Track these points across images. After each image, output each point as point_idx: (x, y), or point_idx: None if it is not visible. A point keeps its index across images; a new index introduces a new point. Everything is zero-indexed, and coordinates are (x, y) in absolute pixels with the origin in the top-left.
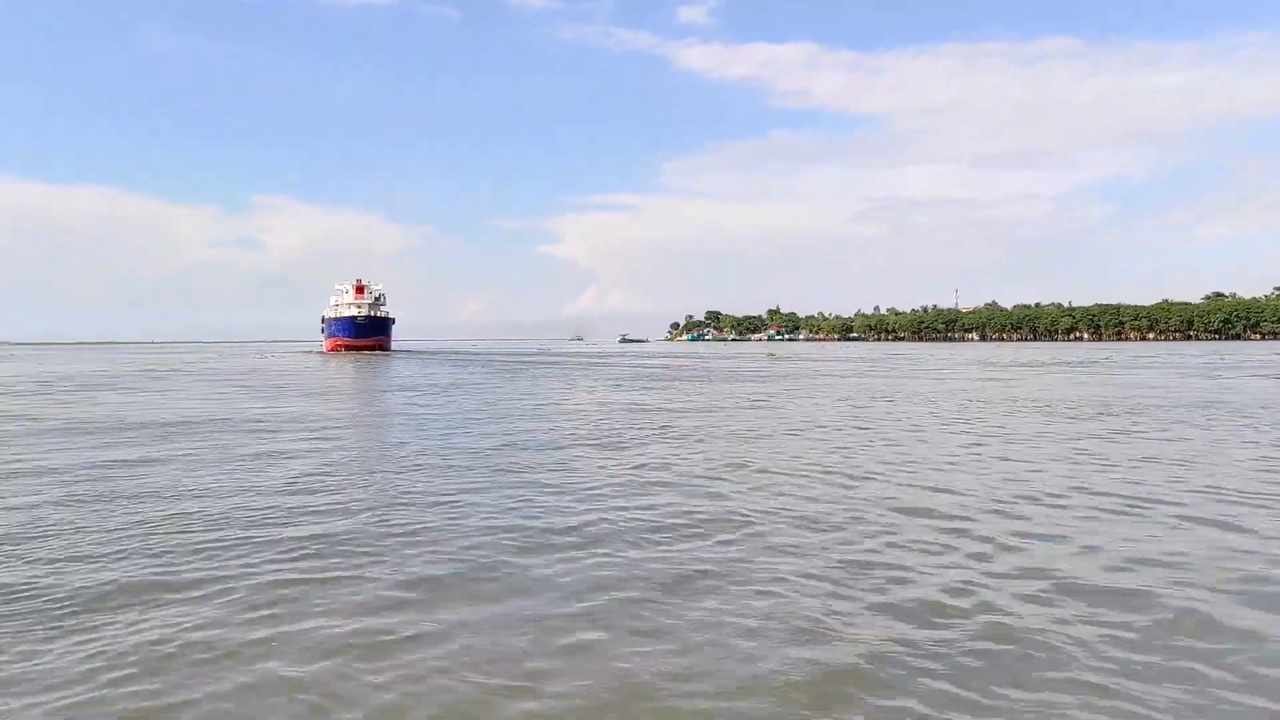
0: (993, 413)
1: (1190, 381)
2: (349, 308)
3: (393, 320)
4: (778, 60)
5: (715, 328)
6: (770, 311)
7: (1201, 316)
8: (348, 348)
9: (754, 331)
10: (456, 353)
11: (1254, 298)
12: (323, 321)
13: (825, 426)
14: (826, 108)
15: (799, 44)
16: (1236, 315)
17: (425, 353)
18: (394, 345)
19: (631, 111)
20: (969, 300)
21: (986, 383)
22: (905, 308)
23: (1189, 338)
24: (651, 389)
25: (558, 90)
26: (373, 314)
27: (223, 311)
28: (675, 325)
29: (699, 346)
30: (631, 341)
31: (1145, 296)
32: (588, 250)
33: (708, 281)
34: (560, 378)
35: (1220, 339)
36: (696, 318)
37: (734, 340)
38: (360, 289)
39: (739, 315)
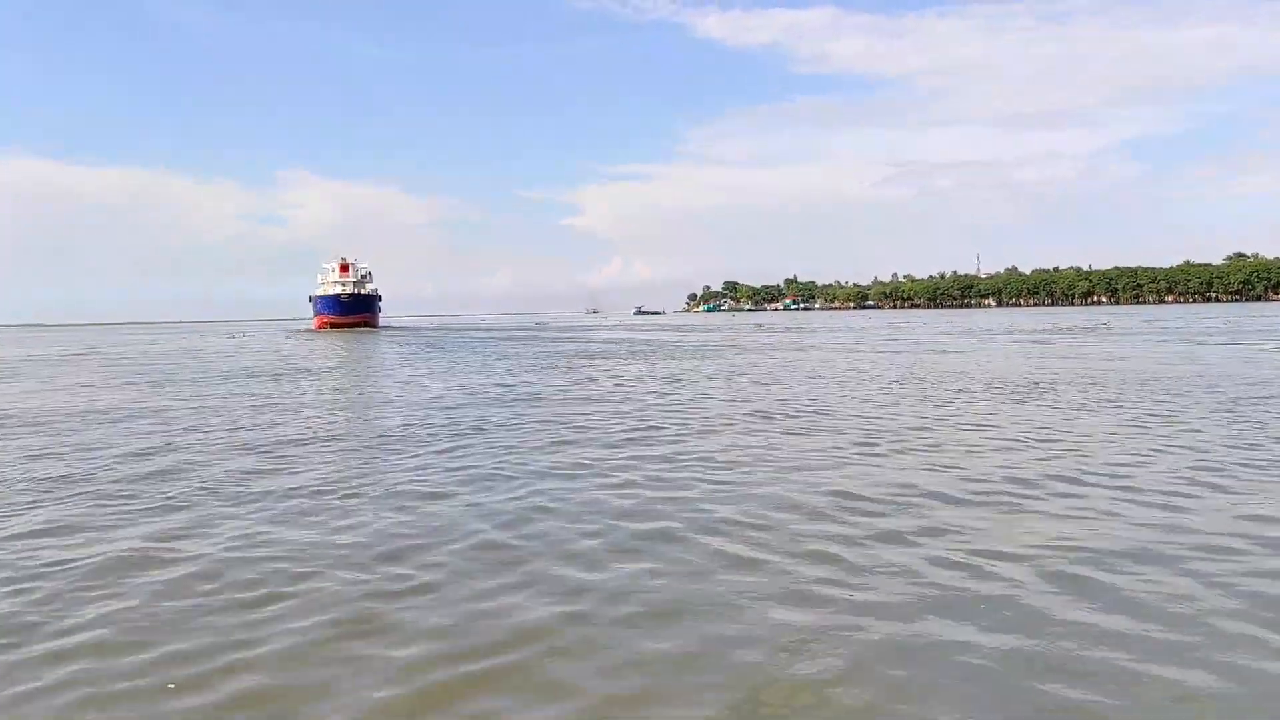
0: (861, 391)
1: (1161, 350)
2: (334, 285)
3: (379, 297)
4: (798, 25)
5: (732, 298)
6: (787, 281)
7: (1221, 278)
8: (333, 325)
9: (771, 301)
10: (445, 329)
11: (1276, 257)
12: (311, 299)
13: (652, 420)
14: (848, 72)
15: (820, 9)
16: (1257, 276)
17: (415, 328)
18: (412, 320)
19: (652, 80)
20: (993, 264)
21: (925, 354)
22: (931, 273)
23: (1209, 300)
24: (562, 370)
25: (577, 60)
26: (357, 291)
27: (247, 288)
28: (693, 296)
29: (710, 318)
30: (646, 313)
31: (1176, 255)
32: (611, 221)
33: (731, 250)
34: (488, 355)
35: (1241, 300)
36: (714, 288)
37: (749, 310)
38: (345, 267)
39: (756, 285)
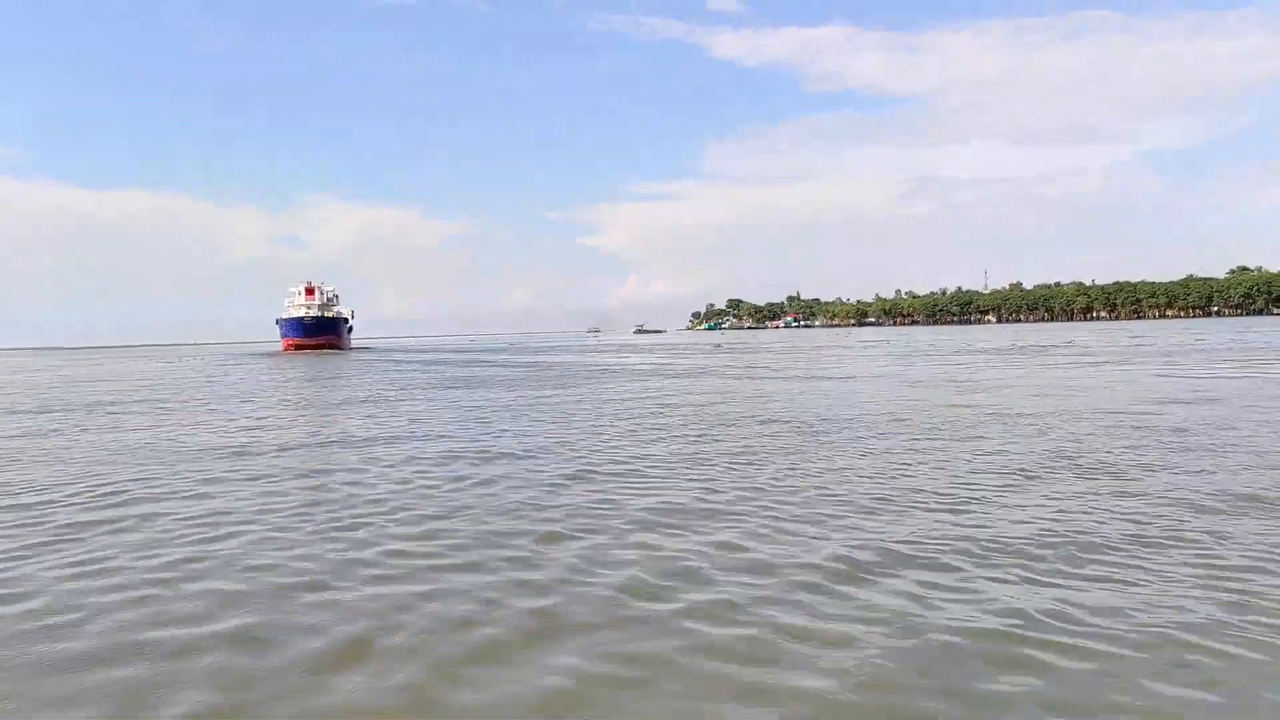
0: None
1: (1067, 376)
2: (298, 309)
3: (345, 319)
4: (813, 43)
5: (735, 316)
6: (790, 298)
7: (1221, 292)
8: (298, 347)
9: (773, 319)
10: (420, 350)
11: (1278, 272)
12: (277, 322)
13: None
14: (865, 88)
15: (834, 26)
16: (1258, 290)
17: (391, 350)
18: (412, 340)
19: (668, 100)
20: (1007, 279)
21: (806, 381)
22: (942, 288)
23: (1209, 314)
24: (387, 403)
25: (595, 81)
26: (322, 314)
27: (265, 310)
28: (697, 314)
29: (706, 336)
30: (646, 332)
31: (1194, 269)
32: (629, 240)
33: (746, 267)
34: (370, 383)
35: (1242, 314)
36: (718, 306)
37: (750, 328)
38: (310, 291)
39: (760, 303)
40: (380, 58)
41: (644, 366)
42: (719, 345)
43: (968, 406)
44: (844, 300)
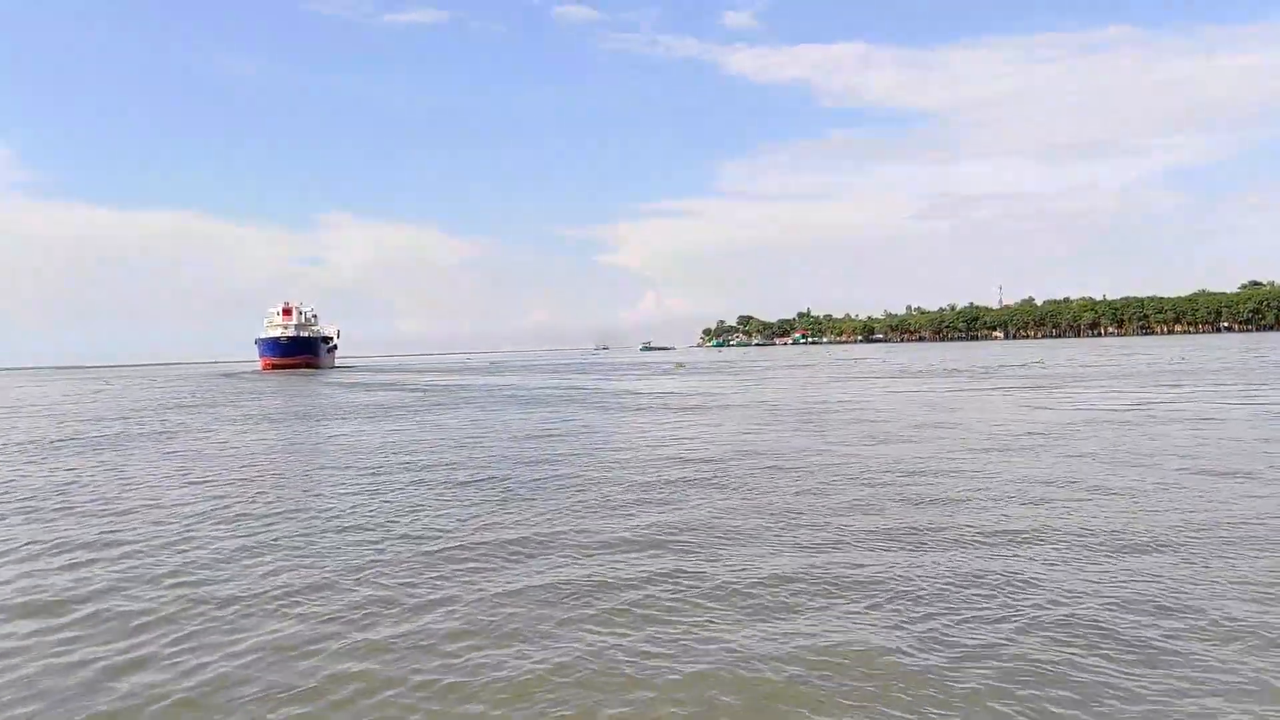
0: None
1: (955, 404)
2: (276, 329)
3: (325, 339)
4: (828, 60)
5: (744, 332)
6: (800, 314)
7: (1230, 307)
8: (275, 366)
9: (782, 335)
10: (401, 370)
11: None
12: (256, 342)
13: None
14: (880, 106)
15: (849, 43)
16: (1267, 304)
17: (372, 369)
18: (417, 359)
19: (684, 117)
20: (1016, 296)
21: (684, 413)
22: (955, 304)
23: (1219, 329)
24: (267, 423)
25: (609, 100)
26: (299, 334)
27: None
28: (708, 330)
29: (711, 353)
30: (654, 349)
31: (1213, 285)
32: (646, 257)
33: (762, 284)
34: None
35: (1252, 329)
36: (729, 323)
37: (758, 345)
38: (288, 311)
39: (771, 319)
40: (398, 79)
41: (554, 390)
42: (682, 364)
43: (755, 451)
44: (853, 316)
